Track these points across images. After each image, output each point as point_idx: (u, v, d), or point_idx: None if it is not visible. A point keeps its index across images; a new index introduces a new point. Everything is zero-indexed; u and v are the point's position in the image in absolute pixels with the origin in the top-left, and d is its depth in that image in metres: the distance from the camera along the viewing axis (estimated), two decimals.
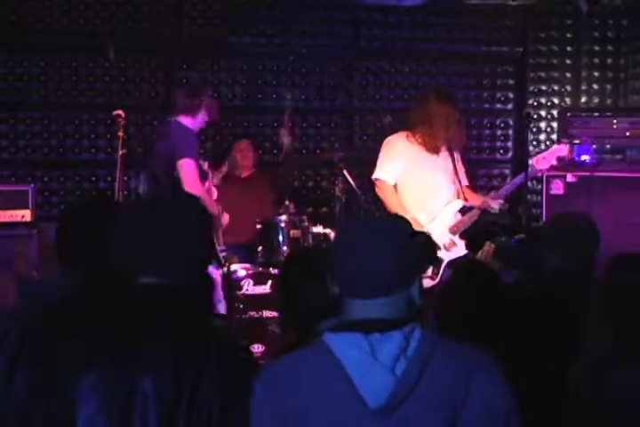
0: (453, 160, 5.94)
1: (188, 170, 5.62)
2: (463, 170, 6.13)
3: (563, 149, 6.06)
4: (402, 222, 2.23)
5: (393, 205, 5.87)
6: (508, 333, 3.04)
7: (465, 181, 6.11)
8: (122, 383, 2.02)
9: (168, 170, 5.67)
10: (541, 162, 5.93)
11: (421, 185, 5.88)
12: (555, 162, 5.96)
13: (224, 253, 6.11)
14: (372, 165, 7.58)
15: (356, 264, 2.04)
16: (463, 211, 5.96)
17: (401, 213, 5.63)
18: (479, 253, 4.47)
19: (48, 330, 2.15)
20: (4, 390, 2.12)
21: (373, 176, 5.96)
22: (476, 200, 5.98)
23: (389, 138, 6.02)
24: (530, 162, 6.08)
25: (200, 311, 2.23)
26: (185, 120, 5.85)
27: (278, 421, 2.02)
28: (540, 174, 6.44)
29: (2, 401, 2.13)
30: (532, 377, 2.96)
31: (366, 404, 1.96)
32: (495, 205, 5.87)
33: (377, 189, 5.97)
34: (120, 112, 6.06)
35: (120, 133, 6.02)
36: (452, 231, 5.87)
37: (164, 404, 2.01)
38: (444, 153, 5.91)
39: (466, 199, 5.97)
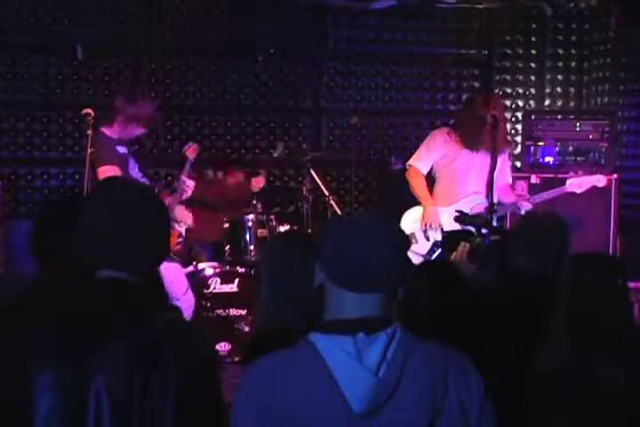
0: (495, 162, 5.94)
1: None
2: (509, 173, 6.25)
3: (602, 181, 6.16)
4: (391, 218, 2.19)
5: (417, 191, 6.13)
6: (472, 333, 2.95)
7: (506, 181, 6.23)
8: (76, 381, 2.00)
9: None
10: (575, 187, 6.08)
11: (450, 180, 6.09)
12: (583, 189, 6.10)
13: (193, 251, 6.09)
14: (338, 165, 7.83)
15: (360, 256, 2.00)
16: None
17: (422, 200, 6.09)
18: (454, 253, 4.46)
19: (5, 327, 2.15)
20: None
21: (408, 162, 6.22)
22: (509, 198, 6.09)
23: (434, 131, 6.32)
24: (567, 182, 6.13)
25: (156, 306, 2.19)
26: (105, 130, 5.78)
27: (260, 424, 1.98)
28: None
29: None
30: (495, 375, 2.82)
31: (351, 408, 1.94)
32: (525, 207, 6.00)
33: (407, 174, 6.19)
34: (89, 111, 5.93)
35: (89, 132, 5.88)
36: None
37: (116, 401, 1.99)
38: (483, 153, 5.98)
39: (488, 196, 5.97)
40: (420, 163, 6.15)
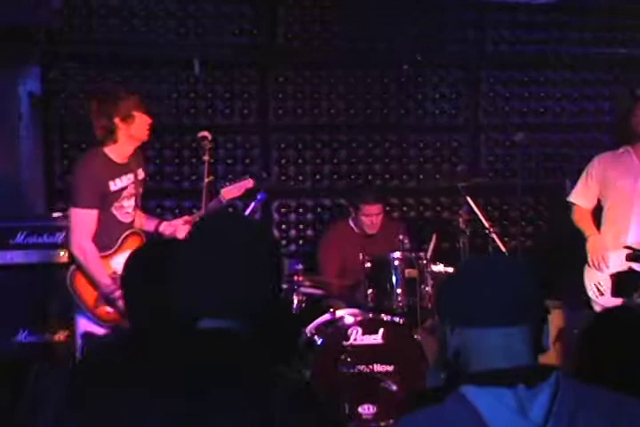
0: None
1: (75, 221, 4.97)
2: None
3: None
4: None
5: (579, 225, 5.95)
6: None
7: None
8: None
9: None
10: None
11: (614, 213, 5.83)
12: None
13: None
14: (501, 191, 7.67)
15: (484, 289, 1.97)
16: None
17: (585, 231, 5.85)
18: (633, 296, 4.50)
19: (103, 380, 2.14)
20: None
21: (568, 198, 6.10)
22: None
23: (596, 157, 6.04)
24: None
25: (267, 360, 2.08)
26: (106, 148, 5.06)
27: None
28: None
29: None
30: None
31: None
32: None
33: (571, 213, 6.07)
34: (206, 134, 5.63)
35: (205, 158, 5.60)
36: None
37: None
38: None
39: None
40: (577, 197, 5.99)
